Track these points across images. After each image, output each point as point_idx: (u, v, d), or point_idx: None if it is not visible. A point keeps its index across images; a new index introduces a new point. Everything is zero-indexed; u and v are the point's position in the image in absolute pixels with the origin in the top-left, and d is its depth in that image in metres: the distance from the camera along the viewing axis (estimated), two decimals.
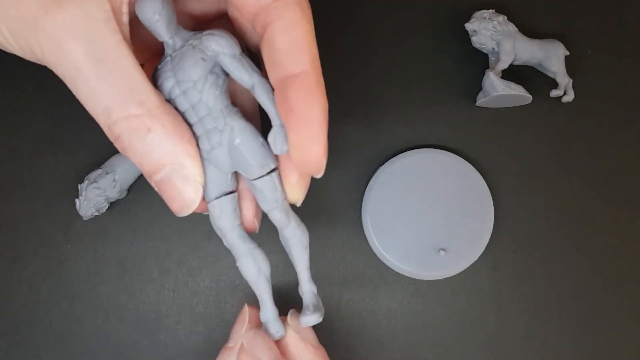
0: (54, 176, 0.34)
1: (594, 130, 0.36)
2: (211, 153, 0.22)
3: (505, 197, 0.35)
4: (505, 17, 0.34)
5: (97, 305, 0.34)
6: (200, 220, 0.34)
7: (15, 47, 0.19)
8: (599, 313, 0.35)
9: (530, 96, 0.34)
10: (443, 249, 0.33)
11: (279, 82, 0.21)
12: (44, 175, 0.34)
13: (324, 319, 0.26)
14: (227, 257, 0.34)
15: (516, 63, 0.35)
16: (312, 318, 0.25)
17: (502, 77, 0.33)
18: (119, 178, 0.32)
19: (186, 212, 0.21)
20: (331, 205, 0.35)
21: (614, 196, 0.36)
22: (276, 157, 0.23)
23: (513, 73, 0.34)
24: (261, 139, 0.22)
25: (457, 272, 0.34)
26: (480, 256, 0.34)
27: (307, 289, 0.26)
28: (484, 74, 0.34)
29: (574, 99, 0.35)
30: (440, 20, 0.36)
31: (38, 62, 0.20)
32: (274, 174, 0.23)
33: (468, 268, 0.34)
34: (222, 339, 0.34)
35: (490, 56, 0.35)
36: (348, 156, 0.35)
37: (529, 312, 0.35)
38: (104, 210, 0.33)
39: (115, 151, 0.33)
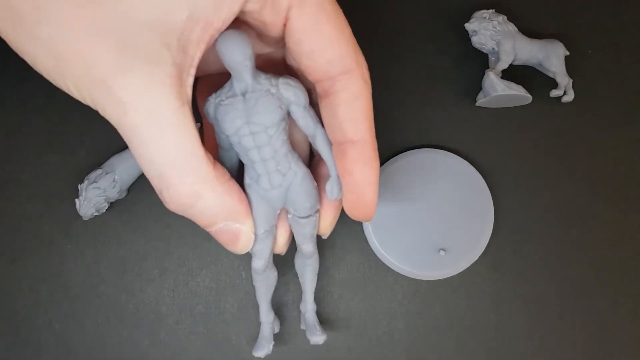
0: (54, 176, 0.34)
1: (594, 130, 0.36)
2: (270, 192, 0.23)
3: (505, 197, 0.35)
4: (505, 17, 0.34)
5: (97, 305, 0.34)
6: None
7: (76, 95, 0.20)
8: (600, 313, 0.35)
9: (530, 96, 0.34)
10: (443, 249, 0.33)
11: (338, 144, 0.23)
12: (44, 175, 0.34)
13: (323, 320, 0.27)
14: (227, 257, 0.34)
15: (516, 63, 0.35)
16: (322, 338, 0.29)
17: (502, 77, 0.33)
18: (119, 178, 0.32)
19: (242, 253, 0.24)
20: None
21: (614, 196, 0.36)
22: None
23: (513, 73, 0.34)
24: (315, 184, 0.24)
25: (457, 271, 0.34)
26: (480, 256, 0.34)
27: (311, 308, 0.30)
28: (484, 74, 0.34)
29: (574, 99, 0.35)
30: (440, 20, 0.36)
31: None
32: (317, 214, 0.25)
33: (468, 268, 0.34)
34: (222, 339, 0.34)
35: (490, 56, 0.35)
36: None
37: (529, 312, 0.35)
38: (104, 211, 0.33)
39: (115, 151, 0.33)
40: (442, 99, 0.35)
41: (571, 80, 0.35)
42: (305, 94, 0.22)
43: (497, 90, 0.33)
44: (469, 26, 0.34)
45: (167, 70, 0.19)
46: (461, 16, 0.35)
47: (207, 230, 0.23)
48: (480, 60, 0.36)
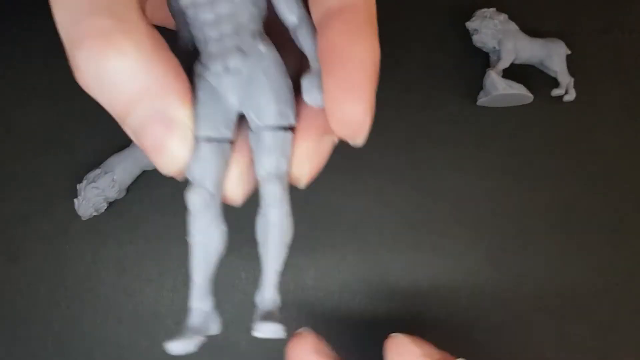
0: (53, 176, 0.34)
1: (595, 129, 0.36)
2: (221, 78, 0.17)
3: (505, 197, 0.35)
4: (507, 16, 0.34)
5: (96, 305, 0.33)
6: None
7: None
8: (600, 312, 0.35)
9: (531, 95, 0.33)
10: None
11: (320, 19, 0.16)
12: (43, 175, 0.34)
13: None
14: (227, 257, 0.34)
15: (517, 62, 0.34)
16: (274, 328, 0.18)
17: (503, 76, 0.33)
18: (117, 178, 0.32)
19: (172, 168, 0.16)
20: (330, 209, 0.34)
21: (615, 194, 0.35)
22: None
23: (514, 72, 0.34)
24: (290, 84, 0.17)
25: None
26: (480, 256, 0.34)
27: (270, 297, 0.19)
28: (485, 73, 0.34)
29: (575, 98, 0.35)
30: (441, 18, 0.36)
31: None
32: (288, 134, 0.18)
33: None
34: (221, 339, 0.34)
35: (491, 55, 0.35)
36: (348, 156, 0.35)
37: (529, 311, 0.34)
38: (103, 210, 0.33)
39: (114, 151, 0.33)
40: (443, 98, 0.35)
41: (572, 80, 0.35)
42: None
43: (498, 89, 0.33)
44: (470, 25, 0.34)
45: None
46: (462, 15, 0.35)
47: (126, 122, 0.16)
48: (481, 59, 0.35)
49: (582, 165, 0.35)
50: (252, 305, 0.35)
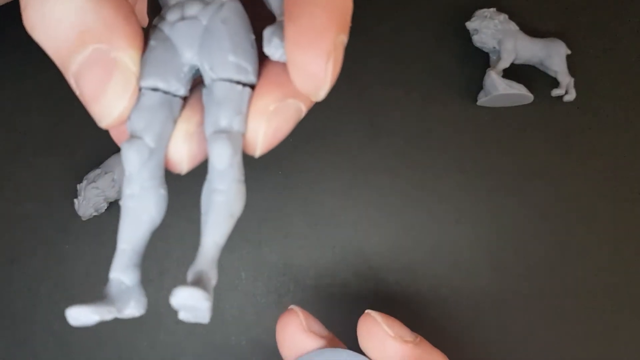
0: (53, 176, 0.34)
1: (596, 129, 0.36)
2: (176, 25, 0.15)
3: (505, 197, 0.35)
4: (507, 16, 0.34)
5: None
6: (199, 220, 0.34)
7: None
8: (600, 311, 0.35)
9: (531, 95, 0.33)
10: None
11: None
12: (42, 175, 0.34)
13: None
14: (226, 257, 0.34)
15: (517, 62, 0.34)
16: (193, 293, 0.14)
17: (503, 76, 0.33)
18: (117, 178, 0.32)
19: (109, 117, 0.15)
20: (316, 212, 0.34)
21: (616, 194, 0.35)
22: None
23: (514, 72, 0.34)
24: (253, 38, 0.15)
25: None
26: (480, 256, 0.34)
27: (206, 271, 0.15)
28: (485, 73, 0.34)
29: (575, 98, 0.35)
30: (441, 18, 0.36)
31: None
32: (246, 90, 0.15)
33: None
34: (221, 339, 0.34)
35: (491, 55, 0.35)
36: (348, 158, 0.35)
37: (530, 311, 0.34)
38: (103, 210, 0.33)
39: (114, 151, 0.33)
40: (443, 98, 0.35)
41: (572, 80, 0.35)
42: None
43: (499, 89, 0.33)
44: (470, 25, 0.34)
45: None
46: (462, 15, 0.35)
47: (69, 68, 0.14)
48: (482, 59, 0.35)
49: (582, 165, 0.35)
50: (252, 305, 0.35)
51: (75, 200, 0.32)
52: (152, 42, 0.15)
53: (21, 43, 0.35)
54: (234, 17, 0.15)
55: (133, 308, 0.16)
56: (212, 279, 0.15)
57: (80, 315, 0.15)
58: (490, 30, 0.34)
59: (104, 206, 0.32)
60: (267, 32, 0.15)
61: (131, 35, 0.14)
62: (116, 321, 0.35)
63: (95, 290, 0.33)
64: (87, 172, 0.33)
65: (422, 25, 0.36)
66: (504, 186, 0.35)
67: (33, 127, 0.34)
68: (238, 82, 0.15)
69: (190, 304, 0.14)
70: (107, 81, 0.14)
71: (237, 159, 0.15)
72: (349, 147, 0.35)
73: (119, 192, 0.32)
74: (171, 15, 0.15)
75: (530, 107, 0.35)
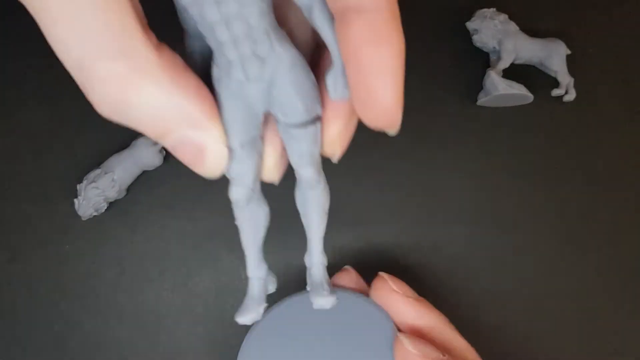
0: (53, 176, 0.34)
1: (596, 129, 0.36)
2: (244, 86, 0.17)
3: (505, 197, 0.35)
4: (507, 16, 0.34)
5: (96, 305, 0.33)
6: (200, 220, 0.34)
7: None
8: (600, 312, 0.35)
9: (531, 95, 0.33)
10: None
11: (339, 13, 0.15)
12: (43, 175, 0.34)
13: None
14: (227, 257, 0.34)
15: (517, 62, 0.34)
16: (329, 300, 0.21)
17: (503, 76, 0.33)
18: (117, 178, 0.32)
19: (211, 176, 0.17)
20: None
21: (615, 194, 0.35)
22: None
23: (514, 72, 0.34)
24: (313, 77, 0.17)
25: None
26: (480, 256, 0.34)
27: (318, 261, 0.22)
28: (485, 73, 0.34)
29: (575, 98, 0.35)
30: (441, 18, 0.36)
31: None
32: (318, 123, 0.18)
33: None
34: (221, 339, 0.34)
35: (491, 55, 0.35)
36: (348, 158, 0.35)
37: (530, 311, 0.34)
38: (103, 210, 0.33)
39: (114, 151, 0.33)
40: (443, 97, 0.35)
41: (572, 80, 0.35)
42: None
43: (499, 89, 0.33)
44: (470, 25, 0.34)
45: None
46: (462, 15, 0.35)
47: (163, 143, 0.16)
48: (481, 59, 0.35)
49: (582, 165, 0.35)
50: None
51: (75, 200, 0.32)
52: (225, 102, 0.17)
53: (21, 43, 0.35)
54: (294, 67, 0.17)
55: (272, 288, 0.22)
56: (324, 260, 0.22)
57: (248, 319, 0.21)
58: (490, 30, 0.34)
59: (104, 206, 0.32)
60: (330, 81, 0.17)
61: (209, 112, 0.16)
62: (115, 321, 0.35)
63: (95, 290, 0.33)
64: (87, 172, 0.33)
65: (422, 26, 0.36)
66: (504, 186, 0.35)
67: (33, 127, 0.34)
68: (309, 121, 0.18)
69: (329, 305, 0.21)
70: (202, 156, 0.16)
71: (320, 175, 0.20)
72: (349, 147, 0.35)
73: (119, 192, 0.32)
74: (235, 73, 0.16)
75: (530, 107, 0.35)
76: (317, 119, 0.18)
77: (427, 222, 0.34)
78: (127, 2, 0.14)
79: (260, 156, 0.18)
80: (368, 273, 0.34)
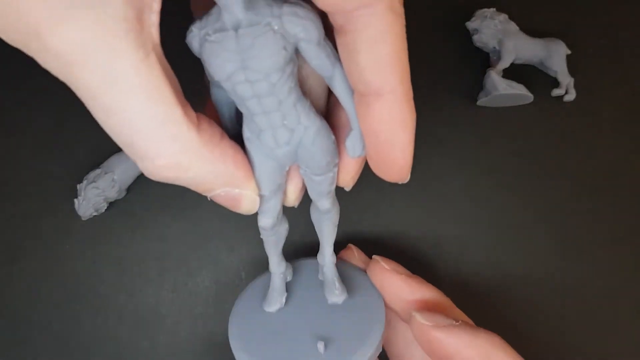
0: (53, 176, 0.34)
1: (596, 129, 0.36)
2: (275, 151, 0.19)
3: (505, 197, 0.35)
4: (507, 16, 0.34)
5: (96, 305, 0.33)
6: (200, 220, 0.34)
7: (23, 50, 0.16)
8: (600, 312, 0.35)
9: (531, 95, 0.33)
10: (323, 342, 0.25)
11: (360, 94, 0.18)
12: (43, 175, 0.34)
13: None
14: (227, 257, 0.34)
15: (517, 62, 0.34)
16: (341, 298, 0.26)
17: (503, 76, 0.33)
18: (117, 178, 0.32)
19: (245, 214, 0.20)
20: None
21: (616, 195, 0.35)
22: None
23: (514, 72, 0.34)
24: (333, 137, 0.20)
25: None
26: (480, 256, 0.34)
27: (329, 261, 0.25)
28: (485, 73, 0.34)
29: (575, 98, 0.35)
30: (441, 18, 0.36)
31: None
32: (335, 169, 0.21)
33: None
34: (222, 339, 0.34)
35: (491, 55, 0.35)
36: None
37: (530, 311, 0.34)
38: (103, 210, 0.33)
39: (114, 151, 0.33)
40: (443, 97, 0.35)
41: (572, 79, 0.35)
42: (319, 25, 0.17)
43: (499, 89, 0.33)
44: (470, 25, 0.34)
45: (118, 13, 0.14)
46: (462, 15, 0.35)
47: (204, 195, 0.19)
48: (482, 59, 0.35)
49: (582, 165, 0.35)
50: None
51: (75, 200, 0.32)
52: (256, 160, 0.19)
53: None
54: (318, 135, 0.19)
55: (290, 275, 0.27)
56: (334, 259, 0.26)
57: (274, 307, 0.26)
58: (490, 30, 0.34)
59: (104, 206, 0.32)
60: (349, 144, 0.19)
61: (245, 176, 0.19)
62: (116, 321, 0.35)
63: (95, 290, 0.33)
64: (87, 172, 0.33)
65: (422, 25, 0.36)
66: (504, 186, 0.35)
67: (33, 127, 0.34)
68: (329, 170, 0.20)
69: (338, 303, 0.26)
70: (238, 204, 0.20)
71: (334, 202, 0.23)
72: None
73: (119, 192, 0.32)
74: (265, 139, 0.19)
75: (530, 107, 0.35)
76: (335, 166, 0.21)
77: (426, 222, 0.34)
78: (172, 94, 0.15)
79: (283, 193, 0.21)
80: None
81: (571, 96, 0.35)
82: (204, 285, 0.34)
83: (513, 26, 0.34)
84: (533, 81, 0.35)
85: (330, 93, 0.21)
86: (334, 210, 0.23)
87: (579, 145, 0.36)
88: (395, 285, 0.27)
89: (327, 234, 0.24)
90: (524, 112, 0.35)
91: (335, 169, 0.21)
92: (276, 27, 0.16)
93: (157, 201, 0.34)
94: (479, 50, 0.35)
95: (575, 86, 0.35)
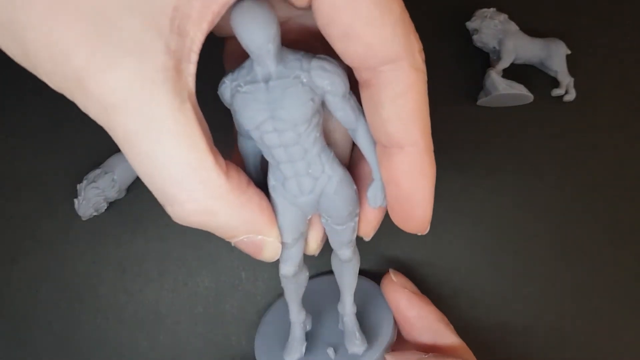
0: (53, 176, 0.34)
1: (596, 129, 0.36)
2: (299, 199, 0.20)
3: (505, 197, 0.35)
4: (507, 16, 0.34)
5: (96, 305, 0.33)
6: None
7: (62, 93, 0.16)
8: (600, 312, 0.35)
9: (531, 95, 0.33)
10: (332, 347, 0.27)
11: (382, 146, 0.19)
12: (43, 175, 0.34)
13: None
14: (227, 257, 0.34)
15: (517, 62, 0.34)
16: (361, 348, 0.26)
17: (503, 76, 0.33)
18: (117, 178, 0.32)
19: (269, 261, 0.21)
20: None
21: (616, 194, 0.35)
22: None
23: (514, 72, 0.34)
24: (355, 187, 0.21)
25: None
26: (480, 256, 0.34)
27: (350, 311, 0.26)
28: (485, 73, 0.34)
29: (575, 98, 0.35)
30: (441, 18, 0.36)
31: None
32: (356, 219, 0.21)
33: None
34: (221, 339, 0.34)
35: (491, 55, 0.35)
36: None
37: (530, 312, 0.34)
38: (103, 210, 0.33)
39: (114, 151, 0.33)
40: (443, 97, 0.35)
41: (572, 79, 0.35)
42: (345, 79, 0.18)
43: (499, 89, 0.33)
44: (470, 25, 0.34)
45: (158, 62, 0.15)
46: (462, 15, 0.35)
47: (228, 240, 0.20)
48: (482, 59, 0.35)
49: (582, 165, 0.35)
50: (253, 305, 0.35)
51: (75, 200, 0.32)
52: (279, 208, 0.20)
53: None
54: (341, 184, 0.20)
55: (309, 324, 0.27)
56: (354, 308, 0.26)
57: (295, 357, 0.26)
58: (490, 30, 0.34)
59: (104, 206, 0.32)
60: (370, 194, 0.20)
61: (269, 223, 0.19)
62: (116, 321, 0.35)
63: (95, 290, 0.33)
64: (87, 172, 0.33)
65: (422, 26, 0.36)
66: (504, 186, 0.35)
67: (33, 127, 0.34)
68: (350, 220, 0.21)
69: (358, 354, 0.26)
70: (260, 251, 0.20)
71: (355, 251, 0.23)
72: None
73: (119, 192, 0.32)
74: (290, 186, 0.19)
75: (530, 107, 0.35)
76: (356, 216, 0.21)
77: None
78: (204, 142, 0.16)
79: (305, 241, 0.22)
80: (363, 272, 0.34)
81: (571, 96, 0.35)
82: (204, 285, 0.34)
83: (513, 26, 0.34)
84: (533, 81, 0.35)
85: (354, 145, 0.22)
86: (354, 259, 0.24)
87: (579, 145, 0.36)
88: (397, 299, 0.28)
89: (347, 283, 0.25)
90: (524, 112, 0.35)
91: (356, 219, 0.21)
92: (305, 80, 0.17)
93: (157, 201, 0.34)
94: (479, 50, 0.35)
95: (575, 86, 0.35)
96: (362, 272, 0.30)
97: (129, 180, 0.33)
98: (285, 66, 0.17)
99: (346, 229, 0.21)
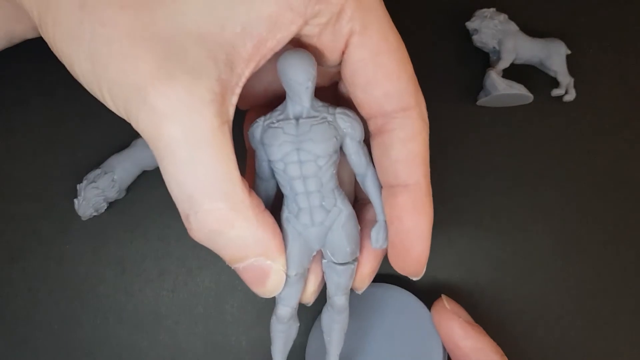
0: (53, 176, 0.34)
1: (596, 129, 0.36)
2: (309, 229, 0.21)
3: (505, 197, 0.35)
4: (507, 16, 0.34)
5: (96, 305, 0.33)
6: None
7: (110, 104, 0.18)
8: (600, 312, 0.35)
9: (531, 95, 0.33)
10: None
11: (388, 186, 0.21)
12: (42, 175, 0.34)
13: None
14: None
15: (517, 62, 0.34)
16: None
17: (503, 76, 0.33)
18: (117, 178, 0.32)
19: (266, 296, 0.22)
20: None
21: (616, 194, 0.35)
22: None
23: (514, 72, 0.34)
24: (359, 227, 0.23)
25: None
26: (480, 256, 0.34)
27: None
28: (485, 73, 0.34)
29: (575, 98, 0.35)
30: (440, 18, 0.36)
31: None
32: (355, 263, 0.23)
33: None
34: (221, 339, 0.34)
35: (491, 55, 0.35)
36: None
37: (529, 312, 0.34)
38: (103, 211, 0.33)
39: (114, 151, 0.33)
40: (443, 98, 0.35)
41: (572, 80, 0.35)
42: (362, 128, 0.21)
43: (498, 89, 0.33)
44: (470, 25, 0.34)
45: (210, 85, 0.17)
46: (462, 15, 0.35)
47: (233, 266, 0.21)
48: (481, 59, 0.35)
49: (582, 165, 0.35)
50: (253, 305, 0.35)
51: (75, 200, 0.32)
52: (290, 240, 0.21)
53: (21, 42, 0.35)
54: (349, 222, 0.22)
55: None
56: None
57: None
58: (490, 30, 0.34)
59: (104, 206, 0.32)
60: (373, 234, 0.22)
61: (279, 248, 0.21)
62: (115, 321, 0.35)
63: (95, 290, 0.33)
64: (87, 172, 0.33)
65: (422, 26, 0.36)
66: (503, 186, 0.35)
67: (33, 127, 0.34)
68: (351, 262, 0.23)
69: None
70: (264, 280, 0.21)
71: (347, 305, 0.24)
72: None
73: (119, 192, 0.32)
74: (303, 218, 0.21)
75: (530, 107, 0.35)
76: (356, 260, 0.23)
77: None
78: (234, 159, 0.18)
79: (304, 282, 0.23)
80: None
81: (571, 96, 0.35)
82: (204, 286, 0.34)
83: (513, 26, 0.34)
84: (533, 81, 0.35)
85: (355, 195, 0.25)
86: (345, 312, 0.24)
87: (579, 146, 0.36)
88: (451, 328, 0.28)
89: (335, 340, 0.25)
90: (524, 112, 0.35)
91: (356, 264, 0.23)
92: (330, 120, 0.20)
93: (157, 201, 0.34)
94: (479, 50, 0.35)
95: (575, 86, 0.35)
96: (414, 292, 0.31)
97: (129, 180, 0.33)
98: (314, 109, 0.20)
99: (346, 270, 0.23)
